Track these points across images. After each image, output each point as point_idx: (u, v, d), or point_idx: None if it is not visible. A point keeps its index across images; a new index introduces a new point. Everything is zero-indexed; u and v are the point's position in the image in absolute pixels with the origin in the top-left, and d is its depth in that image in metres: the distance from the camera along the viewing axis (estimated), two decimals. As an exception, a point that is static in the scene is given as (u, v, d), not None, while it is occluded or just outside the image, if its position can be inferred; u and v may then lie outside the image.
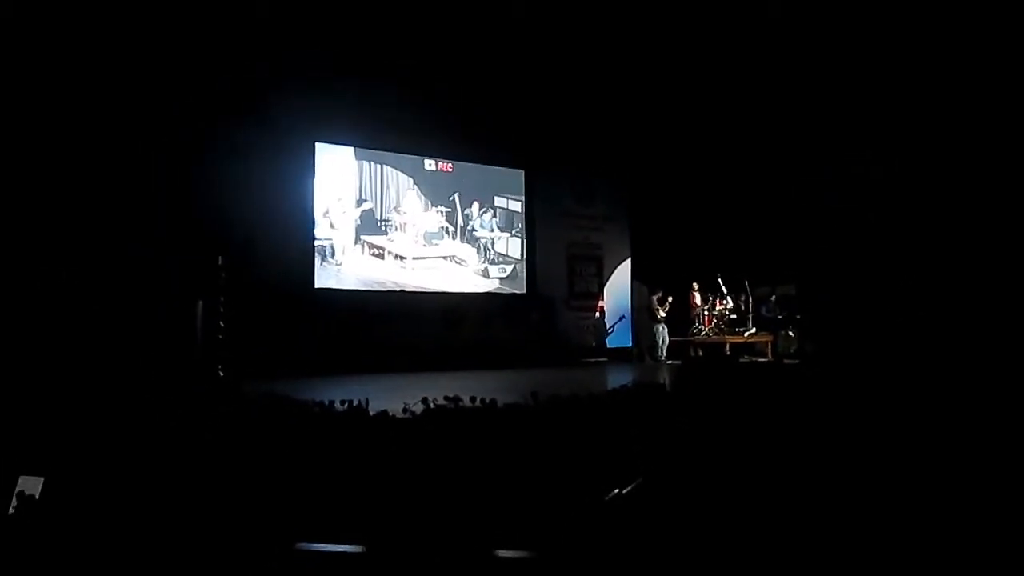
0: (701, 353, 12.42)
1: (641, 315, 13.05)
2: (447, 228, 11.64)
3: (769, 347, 12.43)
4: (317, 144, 10.42)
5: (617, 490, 2.58)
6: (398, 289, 11.00)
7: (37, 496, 2.65)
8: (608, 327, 12.96)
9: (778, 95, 10.20)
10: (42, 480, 2.68)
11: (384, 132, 10.74)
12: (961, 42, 7.87)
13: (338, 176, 10.62)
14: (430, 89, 10.49)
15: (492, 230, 12.08)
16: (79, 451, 3.05)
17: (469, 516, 2.68)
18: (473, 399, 4.07)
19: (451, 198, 11.67)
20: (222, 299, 7.55)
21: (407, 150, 11.21)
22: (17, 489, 2.67)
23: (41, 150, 7.85)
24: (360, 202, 10.82)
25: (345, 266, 10.59)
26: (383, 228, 11.01)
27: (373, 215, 10.94)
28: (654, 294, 12.64)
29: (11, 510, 2.61)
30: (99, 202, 8.14)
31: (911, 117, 8.67)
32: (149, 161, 8.55)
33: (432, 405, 3.91)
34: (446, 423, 3.63)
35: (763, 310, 12.73)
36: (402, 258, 11.11)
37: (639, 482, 2.63)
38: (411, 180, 11.32)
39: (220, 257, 7.64)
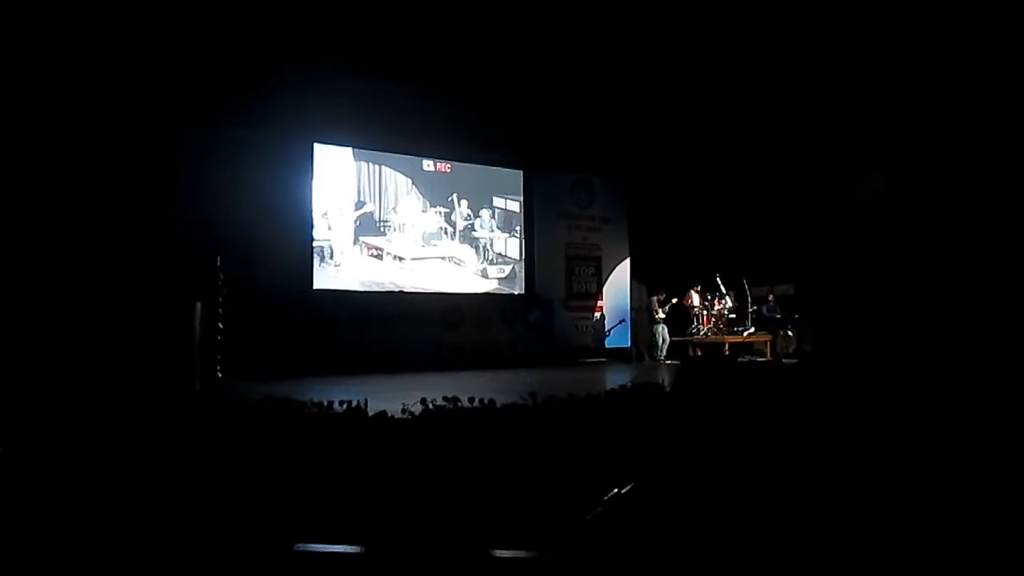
0: (700, 353, 12.43)
1: (640, 315, 13.05)
2: (445, 229, 11.63)
3: (768, 346, 12.46)
4: (315, 145, 10.41)
5: (616, 490, 2.58)
6: (397, 290, 10.99)
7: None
8: (607, 329, 12.94)
9: (778, 96, 10.20)
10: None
11: (383, 133, 10.73)
12: (965, 51, 7.87)
13: (336, 177, 10.61)
14: (429, 90, 10.49)
15: (491, 231, 12.07)
16: (76, 452, 3.05)
17: (467, 516, 2.68)
18: (472, 399, 4.07)
19: (449, 198, 11.67)
20: (220, 300, 7.55)
21: (406, 151, 11.19)
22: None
23: (39, 151, 7.84)
24: (359, 203, 10.81)
25: (344, 267, 10.58)
26: (381, 229, 11.00)
27: (372, 216, 10.93)
28: (654, 294, 12.64)
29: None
30: (96, 203, 8.13)
31: (913, 120, 8.68)
32: (147, 162, 8.54)
33: (431, 406, 3.91)
34: (445, 423, 3.64)
35: (762, 310, 12.76)
36: (401, 259, 11.10)
37: (637, 482, 2.63)
38: (410, 181, 11.31)
39: (218, 258, 7.64)
